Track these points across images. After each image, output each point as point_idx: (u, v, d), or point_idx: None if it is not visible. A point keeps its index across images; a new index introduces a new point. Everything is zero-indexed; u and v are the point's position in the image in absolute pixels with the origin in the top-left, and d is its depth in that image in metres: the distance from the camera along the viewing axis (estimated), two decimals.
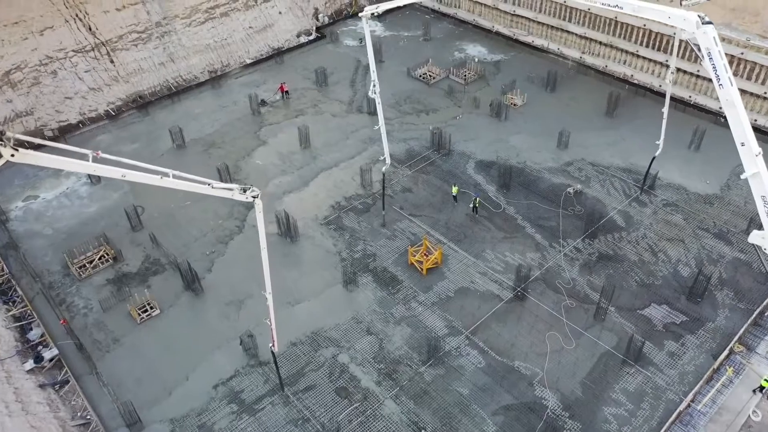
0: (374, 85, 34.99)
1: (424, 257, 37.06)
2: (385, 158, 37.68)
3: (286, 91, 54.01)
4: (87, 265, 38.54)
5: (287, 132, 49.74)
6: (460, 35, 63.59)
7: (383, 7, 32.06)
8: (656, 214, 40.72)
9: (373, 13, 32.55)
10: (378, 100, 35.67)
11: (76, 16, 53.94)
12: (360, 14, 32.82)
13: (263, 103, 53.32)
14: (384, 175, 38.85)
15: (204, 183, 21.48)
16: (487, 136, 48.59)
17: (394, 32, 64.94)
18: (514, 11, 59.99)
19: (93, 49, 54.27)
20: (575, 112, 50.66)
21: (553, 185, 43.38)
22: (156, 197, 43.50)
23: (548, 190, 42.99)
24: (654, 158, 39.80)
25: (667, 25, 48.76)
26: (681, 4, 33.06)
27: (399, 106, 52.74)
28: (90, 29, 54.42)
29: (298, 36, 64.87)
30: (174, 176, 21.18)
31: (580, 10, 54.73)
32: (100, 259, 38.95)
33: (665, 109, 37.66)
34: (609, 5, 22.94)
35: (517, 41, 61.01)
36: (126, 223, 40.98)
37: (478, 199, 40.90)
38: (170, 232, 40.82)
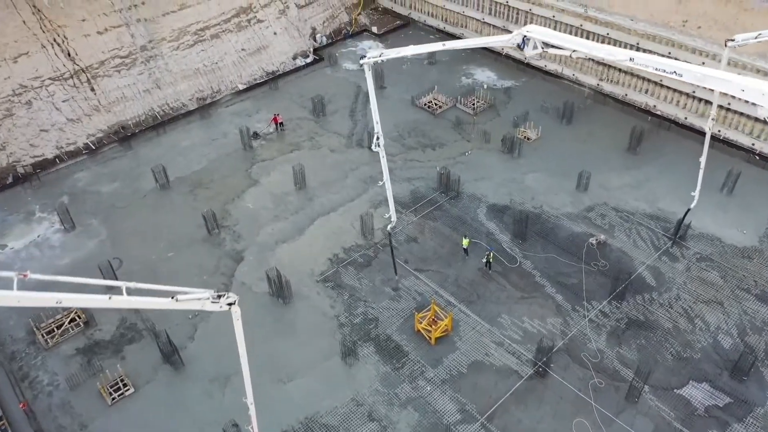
0: (377, 138, 30.96)
1: (433, 324, 33.01)
2: (390, 216, 33.62)
3: (281, 123, 49.96)
4: (55, 330, 34.46)
5: (281, 170, 45.68)
6: (467, 58, 59.52)
7: (388, 55, 28.01)
8: (690, 271, 36.65)
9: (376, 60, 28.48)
10: (382, 154, 31.61)
11: (54, 40, 49.87)
12: (361, 61, 28.76)
13: (256, 135, 49.26)
14: (390, 235, 34.85)
15: (166, 295, 17.29)
16: (499, 175, 44.53)
17: None
18: None
19: (72, 77, 50.18)
20: (594, 148, 46.62)
21: (574, 234, 39.33)
22: (136, 247, 39.65)
23: (568, 241, 38.94)
24: (688, 210, 35.75)
25: (697, 52, 45.06)
26: (726, 45, 28.99)
27: (402, 140, 48.67)
28: (69, 55, 50.34)
29: (295, 58, 60.81)
30: (128, 290, 16.86)
31: (599, 34, 50.66)
32: (71, 322, 34.91)
33: (703, 159, 33.59)
34: (665, 72, 19.08)
35: (528, 65, 56.98)
36: (102, 277, 36.88)
37: (492, 253, 36.83)
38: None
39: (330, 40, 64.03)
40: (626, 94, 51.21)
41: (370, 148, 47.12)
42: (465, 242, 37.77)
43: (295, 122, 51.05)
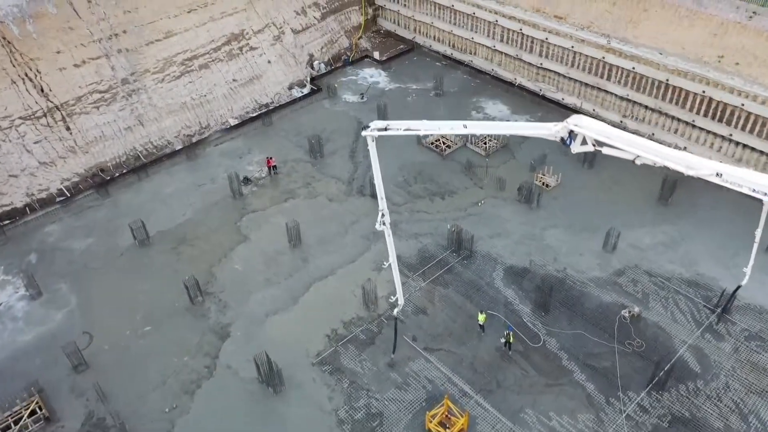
0: (382, 215, 26.52)
1: (447, 423, 28.49)
2: (397, 299, 29.17)
3: (274, 166, 45.43)
4: (12, 426, 29.97)
5: (274, 222, 41.17)
6: (476, 89, 55.02)
7: (395, 128, 23.53)
8: (738, 353, 32.11)
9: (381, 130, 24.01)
10: (388, 232, 27.19)
11: (26, 75, 45.36)
12: (363, 132, 24.26)
13: (247, 181, 44.76)
14: (396, 320, 30.39)
15: None
16: (516, 231, 40.00)
17: (401, 84, 56.38)
18: (541, 64, 51.40)
19: (45, 115, 45.66)
20: (621, 198, 42.08)
21: (603, 305, 34.82)
22: (109, 319, 35.27)
23: (597, 313, 34.42)
24: (739, 288, 31.27)
25: (735, 92, 40.53)
26: None
27: (408, 186, 44.15)
28: (42, 91, 45.83)
29: (290, 88, 56.30)
30: None
31: (623, 68, 46.14)
32: (31, 416, 30.39)
33: (758, 231, 29.03)
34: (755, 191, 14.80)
35: (543, 98, 52.45)
36: (67, 360, 32.36)
37: (510, 334, 32.28)
38: (122, 373, 32.16)
39: (329, 67, 59.53)
40: (653, 134, 46.64)
41: (372, 196, 43.03)
42: (481, 318, 33.23)
43: (290, 165, 46.52)
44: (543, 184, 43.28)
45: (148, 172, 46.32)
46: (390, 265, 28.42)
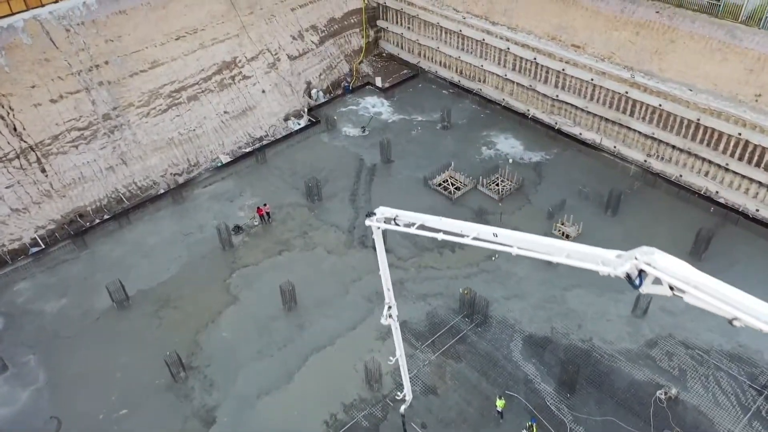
0: (389, 308, 22.74)
1: None
2: (404, 395, 25.38)
3: (267, 213, 41.59)
4: None
5: (267, 280, 37.34)
6: (486, 121, 51.19)
7: (404, 220, 19.73)
8: None
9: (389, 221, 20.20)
10: (395, 326, 23.40)
11: None
12: (368, 222, 20.44)
13: (238, 230, 40.94)
14: (403, 417, 26.57)
15: None
16: (535, 291, 36.18)
17: (405, 115, 52.52)
18: (557, 96, 47.55)
19: (18, 156, 41.80)
20: None
21: (636, 384, 30.98)
22: (81, 399, 31.58)
23: (629, 393, 30.58)
24: None
25: None
26: None
27: (415, 236, 40.16)
28: (15, 130, 41.98)
29: (286, 119, 52.46)
30: None
31: (648, 105, 42.34)
32: None
33: None
34: None
35: (559, 132, 48.59)
36: None
37: (534, 426, 28.45)
38: None
39: (328, 95, 55.70)
40: (681, 175, 42.81)
41: (373, 248, 39.14)
42: (500, 404, 29.37)
43: (285, 210, 42.68)
44: (562, 234, 39.45)
45: (130, 218, 42.46)
46: (397, 359, 24.59)
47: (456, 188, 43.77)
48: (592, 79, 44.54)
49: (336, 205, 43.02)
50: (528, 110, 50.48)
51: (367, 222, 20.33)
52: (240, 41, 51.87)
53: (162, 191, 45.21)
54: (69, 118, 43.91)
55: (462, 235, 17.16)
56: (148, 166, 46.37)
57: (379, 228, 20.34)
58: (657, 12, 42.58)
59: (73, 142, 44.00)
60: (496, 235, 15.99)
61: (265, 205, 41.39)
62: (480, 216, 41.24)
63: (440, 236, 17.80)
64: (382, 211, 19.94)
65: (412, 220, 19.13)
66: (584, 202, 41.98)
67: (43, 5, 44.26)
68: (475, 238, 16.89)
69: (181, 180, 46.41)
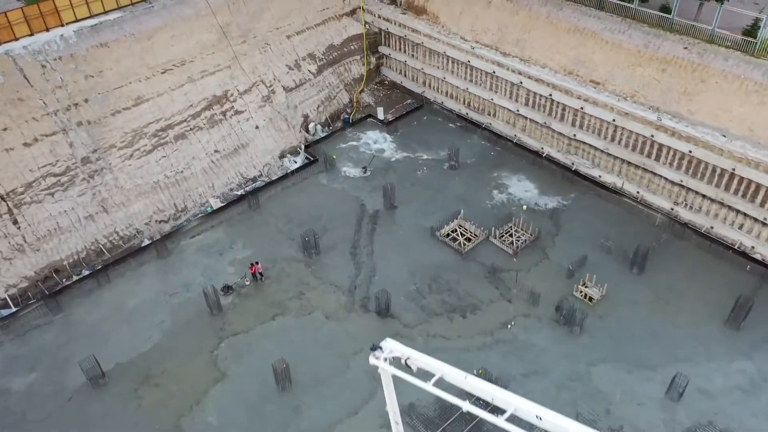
0: None
1: None
2: None
3: (260, 273, 37.95)
4: None
5: (259, 351, 33.71)
6: (497, 159, 47.56)
7: (416, 362, 16.21)
8: None
9: (400, 359, 16.61)
10: None
11: None
12: (372, 360, 16.87)
13: (227, 289, 37.33)
14: None
15: None
16: (556, 366, 32.53)
17: (410, 152, 48.84)
18: (575, 135, 43.94)
19: None
20: (681, 317, 34.62)
21: None
22: None
23: None
24: None
25: None
26: None
27: (422, 299, 36.64)
28: None
29: (282, 157, 48.84)
30: None
31: (677, 150, 38.74)
32: None
33: None
34: None
35: (576, 173, 44.96)
36: None
37: None
38: None
39: (326, 128, 52.07)
40: (711, 227, 39.23)
41: (377, 313, 35.67)
42: None
43: (280, 266, 39.02)
44: (585, 296, 35.84)
45: (109, 275, 38.80)
46: None
47: (466, 239, 40.15)
48: (613, 120, 40.96)
49: (335, 260, 39.36)
50: (542, 149, 46.87)
51: (372, 361, 16.72)
52: (232, 73, 48.20)
53: (146, 242, 41.56)
54: (44, 163, 40.20)
55: (492, 408, 13.50)
56: (131, 213, 42.70)
57: (388, 367, 16.63)
58: (685, 48, 38.98)
59: (49, 190, 40.34)
60: (540, 418, 12.37)
61: (257, 263, 37.72)
62: (494, 275, 37.57)
63: (465, 407, 14.19)
64: (390, 348, 16.33)
65: (428, 368, 15.54)
66: (607, 257, 38.37)
67: (16, 39, 40.64)
68: (510, 418, 13.24)
69: (167, 228, 42.78)
